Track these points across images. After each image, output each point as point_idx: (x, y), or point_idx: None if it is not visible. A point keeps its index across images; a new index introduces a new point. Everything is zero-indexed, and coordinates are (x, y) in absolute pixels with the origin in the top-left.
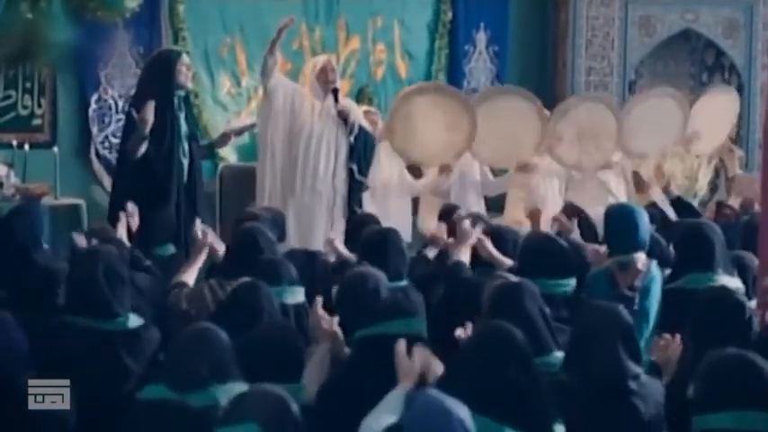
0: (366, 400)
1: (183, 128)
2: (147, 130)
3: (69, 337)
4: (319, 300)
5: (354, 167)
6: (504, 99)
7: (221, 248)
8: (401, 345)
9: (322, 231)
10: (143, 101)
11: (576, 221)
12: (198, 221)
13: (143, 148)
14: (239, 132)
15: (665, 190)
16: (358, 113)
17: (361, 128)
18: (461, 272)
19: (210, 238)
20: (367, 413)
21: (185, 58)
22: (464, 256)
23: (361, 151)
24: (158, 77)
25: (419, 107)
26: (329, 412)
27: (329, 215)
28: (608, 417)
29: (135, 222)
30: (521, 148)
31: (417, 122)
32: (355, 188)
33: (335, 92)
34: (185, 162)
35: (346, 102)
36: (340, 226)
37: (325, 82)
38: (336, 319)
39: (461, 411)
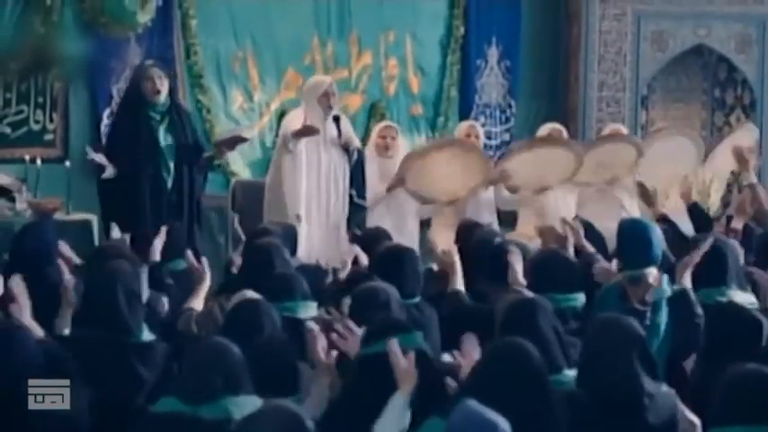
0: (369, 420)
1: (164, 143)
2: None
3: (83, 349)
4: (321, 336)
5: (354, 192)
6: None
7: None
8: (395, 344)
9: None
10: (119, 117)
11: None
12: (189, 253)
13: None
14: (232, 144)
15: (686, 196)
16: (354, 138)
17: (359, 151)
18: (461, 300)
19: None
20: None
21: (152, 71)
22: (459, 285)
23: (358, 174)
24: (127, 94)
25: (434, 160)
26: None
27: (337, 242)
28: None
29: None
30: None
31: (431, 170)
32: (355, 211)
33: (337, 119)
34: (168, 179)
35: (347, 127)
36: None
37: (327, 106)
38: (334, 352)
39: (504, 424)
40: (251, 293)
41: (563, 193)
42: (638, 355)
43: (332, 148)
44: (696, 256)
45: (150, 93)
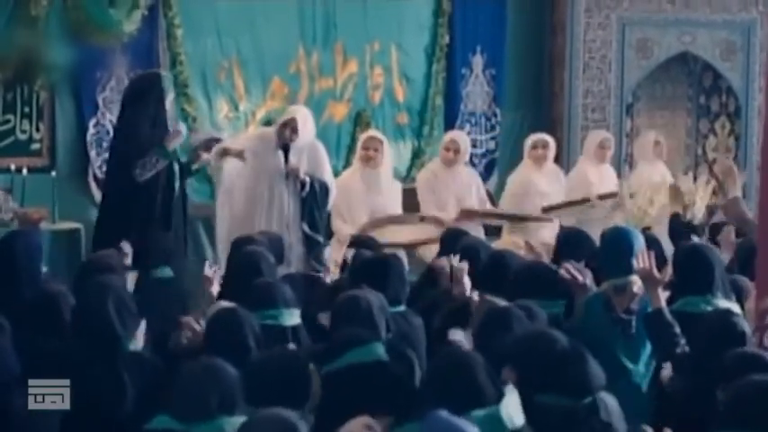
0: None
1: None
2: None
3: (73, 357)
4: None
5: (305, 226)
6: None
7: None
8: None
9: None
10: (138, 125)
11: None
12: (207, 263)
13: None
14: (207, 146)
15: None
16: (318, 161)
17: (312, 183)
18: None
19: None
20: None
21: (167, 80)
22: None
23: (312, 207)
24: (150, 100)
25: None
26: None
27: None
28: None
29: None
30: None
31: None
32: (310, 245)
33: (286, 149)
34: (177, 186)
35: (310, 150)
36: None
37: (281, 137)
38: None
39: None
40: (225, 303)
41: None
42: None
43: (277, 177)
44: (665, 275)
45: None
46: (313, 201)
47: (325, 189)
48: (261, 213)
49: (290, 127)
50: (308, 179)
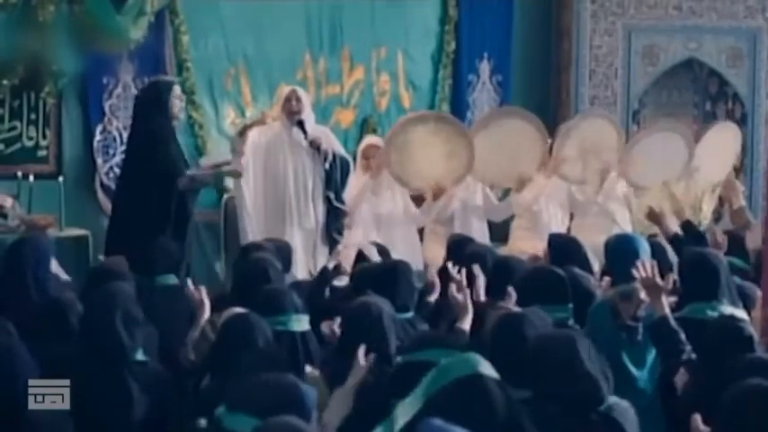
0: None
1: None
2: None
3: (79, 365)
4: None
5: (332, 195)
6: (505, 120)
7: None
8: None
9: (304, 263)
10: (139, 133)
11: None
12: (189, 281)
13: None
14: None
15: (678, 215)
16: (330, 139)
17: (334, 154)
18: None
19: (202, 296)
20: None
21: (177, 89)
22: (466, 324)
23: (337, 178)
24: (153, 108)
25: (418, 135)
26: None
27: (313, 247)
28: None
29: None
30: (522, 166)
31: (415, 151)
32: (333, 215)
33: (301, 124)
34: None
35: (317, 130)
36: (324, 252)
37: (289, 112)
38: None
39: None
40: (238, 309)
41: (553, 204)
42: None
43: (299, 152)
44: (669, 282)
45: (177, 111)
46: (336, 173)
47: (346, 162)
48: (285, 191)
49: (294, 97)
50: (330, 150)
